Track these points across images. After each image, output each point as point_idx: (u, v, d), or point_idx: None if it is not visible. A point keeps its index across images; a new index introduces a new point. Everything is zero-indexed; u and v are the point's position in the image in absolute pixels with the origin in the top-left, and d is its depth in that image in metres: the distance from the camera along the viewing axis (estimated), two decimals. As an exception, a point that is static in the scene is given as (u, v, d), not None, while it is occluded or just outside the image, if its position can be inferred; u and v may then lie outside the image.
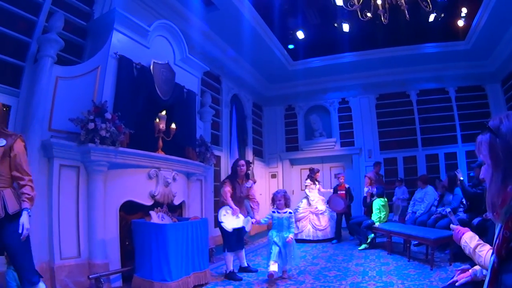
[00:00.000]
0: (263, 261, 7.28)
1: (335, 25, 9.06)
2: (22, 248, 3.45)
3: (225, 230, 6.18)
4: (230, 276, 6.03)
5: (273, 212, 6.12)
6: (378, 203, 8.40)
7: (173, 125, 6.83)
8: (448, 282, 2.42)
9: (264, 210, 12.90)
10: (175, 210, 6.91)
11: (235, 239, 6.22)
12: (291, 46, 12.00)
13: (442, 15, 8.47)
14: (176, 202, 6.90)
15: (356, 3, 7.36)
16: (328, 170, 14.02)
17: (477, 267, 2.25)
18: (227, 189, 6.36)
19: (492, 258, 1.42)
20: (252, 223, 6.32)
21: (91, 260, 5.27)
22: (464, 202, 7.21)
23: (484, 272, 2.17)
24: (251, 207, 6.83)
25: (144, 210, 6.05)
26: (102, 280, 5.04)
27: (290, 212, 6.09)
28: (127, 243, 5.86)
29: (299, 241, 9.94)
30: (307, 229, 10.16)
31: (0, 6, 5.14)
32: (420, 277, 5.58)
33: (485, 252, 2.06)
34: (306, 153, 14.39)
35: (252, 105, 13.70)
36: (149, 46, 6.84)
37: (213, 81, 10.84)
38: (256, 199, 6.76)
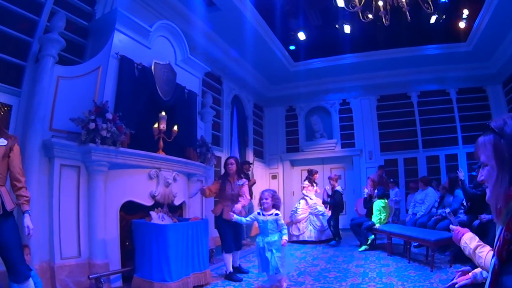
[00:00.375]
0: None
1: (337, 26, 9.07)
2: (18, 244, 3.55)
3: (222, 231, 6.19)
4: (230, 277, 6.03)
5: (258, 213, 5.46)
6: (378, 205, 8.41)
7: (175, 128, 6.83)
8: (448, 284, 2.41)
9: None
10: (175, 210, 6.91)
11: (232, 240, 6.23)
12: (292, 47, 12.00)
13: (444, 16, 8.47)
14: (177, 202, 6.90)
15: (357, 4, 7.37)
16: (329, 172, 14.01)
17: (477, 270, 2.25)
18: (211, 186, 6.48)
19: (493, 260, 1.42)
20: (233, 211, 5.85)
21: (91, 260, 5.27)
22: (465, 204, 7.20)
23: (485, 274, 2.17)
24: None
25: (144, 210, 6.04)
26: (102, 280, 5.04)
27: (276, 214, 5.35)
28: (127, 243, 5.86)
29: (301, 242, 9.99)
30: (309, 230, 10.16)
31: (2, 6, 5.14)
32: (421, 279, 5.59)
33: (485, 253, 2.05)
34: (306, 154, 14.37)
35: (253, 106, 13.70)
36: (151, 46, 6.84)
37: (214, 82, 10.85)
38: (247, 196, 6.74)
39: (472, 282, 2.22)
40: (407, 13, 7.38)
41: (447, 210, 4.15)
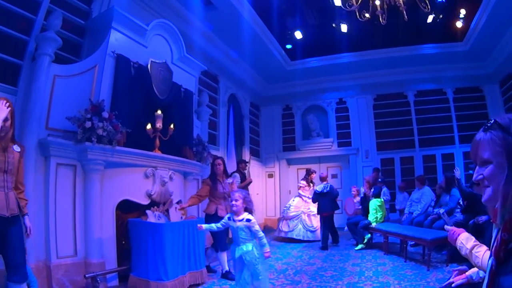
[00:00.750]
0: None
1: (333, 25, 9.08)
2: (24, 246, 3.68)
3: (214, 230, 6.20)
4: (226, 276, 6.03)
5: (229, 218, 4.66)
6: (374, 204, 8.44)
7: (172, 126, 6.82)
8: (445, 283, 2.41)
9: (257, 212, 12.93)
10: (171, 209, 6.91)
11: (226, 238, 6.24)
12: (289, 46, 11.97)
13: (441, 16, 8.50)
14: (173, 201, 6.89)
15: (354, 3, 7.37)
16: (325, 171, 14.00)
17: (472, 270, 2.25)
18: (200, 192, 6.52)
19: (490, 260, 1.41)
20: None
21: (88, 259, 5.26)
22: (461, 203, 7.22)
23: (481, 274, 2.17)
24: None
25: (140, 209, 6.04)
26: (98, 279, 5.03)
27: (248, 220, 4.48)
28: (123, 242, 5.85)
29: (287, 240, 10.07)
30: (298, 229, 10.19)
31: (-1, 4, 5.12)
32: (417, 278, 5.60)
33: (482, 253, 2.05)
34: (303, 153, 14.36)
35: (249, 105, 13.69)
36: (147, 45, 6.83)
37: (210, 81, 10.83)
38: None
39: (469, 282, 2.22)
40: (404, 12, 7.39)
41: (441, 210, 4.16)
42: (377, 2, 7.35)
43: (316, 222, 10.08)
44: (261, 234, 4.51)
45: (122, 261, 5.67)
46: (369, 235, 8.54)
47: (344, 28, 8.93)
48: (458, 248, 2.27)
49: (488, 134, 1.45)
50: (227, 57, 11.22)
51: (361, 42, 11.22)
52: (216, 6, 8.78)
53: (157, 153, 6.51)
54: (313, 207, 10.05)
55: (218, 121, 11.07)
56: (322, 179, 9.70)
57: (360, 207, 9.81)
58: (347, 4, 7.38)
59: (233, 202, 4.59)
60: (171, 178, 6.75)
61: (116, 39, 6.13)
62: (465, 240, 2.22)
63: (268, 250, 4.47)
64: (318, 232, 9.84)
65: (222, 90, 11.45)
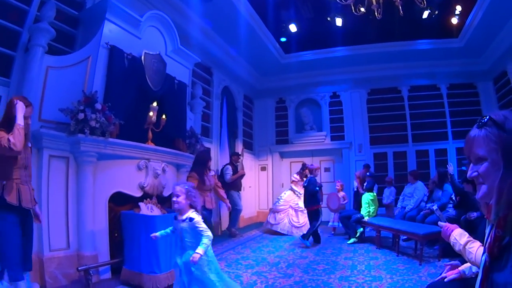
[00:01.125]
0: (252, 254, 7.33)
1: (328, 19, 9.06)
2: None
3: (207, 220, 6.15)
4: None
5: (174, 218, 4.03)
6: (367, 198, 8.48)
7: (164, 116, 6.79)
8: (437, 278, 2.42)
9: (250, 205, 12.95)
10: (164, 202, 6.88)
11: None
12: (283, 39, 11.92)
13: (436, 12, 8.50)
14: (166, 193, 6.88)
15: (350, -3, 7.35)
16: (318, 164, 14.03)
17: (465, 266, 2.26)
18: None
19: (484, 257, 1.41)
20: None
21: (80, 252, 5.25)
22: (454, 198, 7.26)
23: (474, 269, 2.18)
24: (220, 196, 6.77)
25: (133, 201, 6.03)
26: (91, 272, 5.01)
27: (190, 219, 3.79)
28: (116, 234, 5.83)
29: (273, 232, 10.19)
30: (283, 223, 10.26)
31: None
32: (409, 272, 5.64)
33: (475, 249, 2.06)
34: (296, 146, 14.35)
35: (243, 98, 13.65)
36: (141, 36, 6.78)
37: (204, 73, 10.78)
38: (219, 184, 6.73)
39: (461, 277, 2.23)
40: (400, 7, 7.38)
41: (435, 206, 4.17)
42: (373, -4, 7.34)
43: (303, 218, 10.08)
44: (207, 233, 3.74)
45: (115, 254, 5.66)
46: (361, 229, 8.57)
47: (339, 22, 8.92)
48: (451, 244, 2.28)
49: (482, 131, 1.45)
50: (221, 49, 11.17)
51: (356, 36, 11.19)
52: (211, -2, 8.73)
53: (150, 145, 6.50)
54: (302, 203, 9.94)
55: (212, 114, 11.04)
56: (310, 171, 9.47)
57: (346, 201, 9.87)
58: (342, -2, 7.37)
59: (174, 199, 3.92)
60: (164, 171, 6.74)
61: (110, 30, 6.08)
62: (458, 236, 2.23)
63: (201, 251, 3.57)
64: (304, 228, 9.76)
65: (216, 83, 11.40)
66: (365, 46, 12.04)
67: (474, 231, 5.51)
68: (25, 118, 3.67)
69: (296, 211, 10.25)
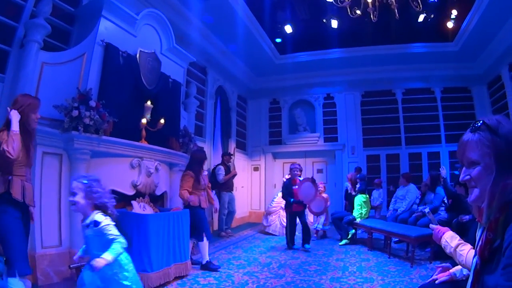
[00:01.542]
0: (243, 254, 7.34)
1: (324, 20, 9.05)
2: None
3: (202, 219, 6.12)
4: (207, 267, 6.01)
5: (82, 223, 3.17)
6: (359, 199, 8.49)
7: (162, 121, 6.81)
8: (428, 280, 2.43)
9: (242, 205, 12.94)
10: (156, 200, 6.88)
11: (206, 226, 6.24)
12: (278, 40, 11.91)
13: (432, 15, 8.51)
14: (158, 192, 6.88)
15: (346, -1, 7.36)
16: (311, 165, 14.05)
17: (456, 268, 2.27)
18: (187, 186, 6.18)
19: (475, 259, 1.42)
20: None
21: (72, 249, 5.21)
22: (446, 201, 7.29)
23: (464, 272, 2.19)
24: (209, 196, 6.75)
25: (125, 200, 6.01)
26: (82, 270, 4.99)
27: (95, 223, 3.00)
28: (108, 232, 5.80)
29: (266, 233, 10.22)
30: (275, 225, 10.33)
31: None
32: (400, 274, 5.66)
33: (466, 251, 2.07)
34: (289, 147, 14.33)
35: (237, 97, 13.62)
36: (136, 34, 6.78)
37: (199, 72, 10.77)
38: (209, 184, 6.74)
39: (452, 279, 2.24)
40: (396, 10, 7.38)
41: (427, 209, 4.17)
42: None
43: None
44: (115, 237, 3.01)
45: (106, 252, 5.63)
46: (353, 230, 8.59)
47: (334, 23, 8.92)
48: (442, 247, 2.28)
49: (476, 135, 1.46)
50: (216, 48, 11.15)
51: (351, 38, 11.19)
52: (207, -3, 8.72)
53: (144, 143, 6.49)
54: None
55: (205, 113, 11.02)
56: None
57: (329, 204, 9.89)
58: (338, 0, 7.37)
59: (71, 198, 3.09)
60: (157, 169, 6.74)
61: (106, 27, 6.08)
62: (449, 239, 2.24)
63: (108, 258, 2.88)
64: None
65: (210, 82, 11.39)
66: (360, 49, 12.04)
67: (466, 234, 5.56)
68: (33, 114, 3.70)
69: None
